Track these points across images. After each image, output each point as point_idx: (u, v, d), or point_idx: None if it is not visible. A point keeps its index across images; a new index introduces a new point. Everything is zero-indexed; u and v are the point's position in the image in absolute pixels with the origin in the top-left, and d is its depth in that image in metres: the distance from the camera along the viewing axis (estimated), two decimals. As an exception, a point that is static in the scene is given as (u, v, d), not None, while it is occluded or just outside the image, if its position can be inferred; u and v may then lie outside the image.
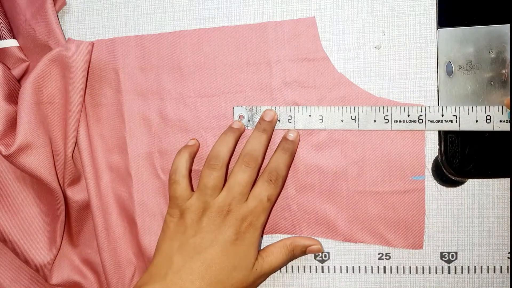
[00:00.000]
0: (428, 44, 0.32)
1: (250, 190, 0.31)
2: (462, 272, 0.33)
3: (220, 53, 0.34)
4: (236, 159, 0.31)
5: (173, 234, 0.30)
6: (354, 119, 0.32)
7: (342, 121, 0.32)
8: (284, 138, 0.32)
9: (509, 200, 0.32)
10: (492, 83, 0.31)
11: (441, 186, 0.32)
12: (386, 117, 0.32)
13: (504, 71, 0.31)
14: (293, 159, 0.33)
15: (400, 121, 0.31)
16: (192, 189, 0.32)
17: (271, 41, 0.33)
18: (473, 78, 0.31)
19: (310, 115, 0.32)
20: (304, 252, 0.33)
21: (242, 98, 0.34)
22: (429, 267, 0.33)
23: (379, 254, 0.33)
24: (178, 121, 0.34)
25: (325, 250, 0.34)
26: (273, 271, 0.32)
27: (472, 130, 0.31)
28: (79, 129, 0.34)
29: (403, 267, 0.33)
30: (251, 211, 0.30)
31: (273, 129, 0.33)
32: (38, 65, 0.33)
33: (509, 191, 0.32)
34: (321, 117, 0.32)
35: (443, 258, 0.33)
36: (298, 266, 0.34)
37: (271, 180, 0.31)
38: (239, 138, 0.33)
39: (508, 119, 0.30)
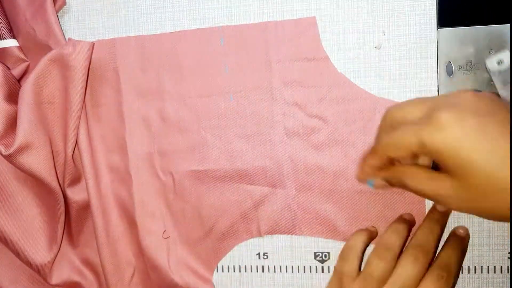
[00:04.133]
0: (428, 44, 0.32)
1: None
2: (462, 272, 0.33)
3: (220, 53, 0.34)
4: (405, 248, 0.28)
5: None
6: None
7: None
8: (453, 235, 0.28)
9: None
10: (492, 83, 0.31)
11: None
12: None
13: (504, 71, 0.31)
14: (464, 257, 0.28)
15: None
16: (359, 269, 0.29)
17: (272, 41, 0.33)
18: (473, 78, 0.31)
19: None
20: None
21: (242, 97, 0.34)
22: (430, 267, 0.33)
23: (379, 254, 0.33)
24: (178, 121, 0.34)
25: (325, 250, 0.34)
26: None
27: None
28: (79, 129, 0.34)
29: (403, 267, 0.33)
30: None
31: (446, 223, 0.29)
32: (38, 65, 0.33)
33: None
34: None
35: (443, 258, 0.33)
36: (298, 266, 0.34)
37: (442, 277, 0.26)
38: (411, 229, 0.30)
39: None
